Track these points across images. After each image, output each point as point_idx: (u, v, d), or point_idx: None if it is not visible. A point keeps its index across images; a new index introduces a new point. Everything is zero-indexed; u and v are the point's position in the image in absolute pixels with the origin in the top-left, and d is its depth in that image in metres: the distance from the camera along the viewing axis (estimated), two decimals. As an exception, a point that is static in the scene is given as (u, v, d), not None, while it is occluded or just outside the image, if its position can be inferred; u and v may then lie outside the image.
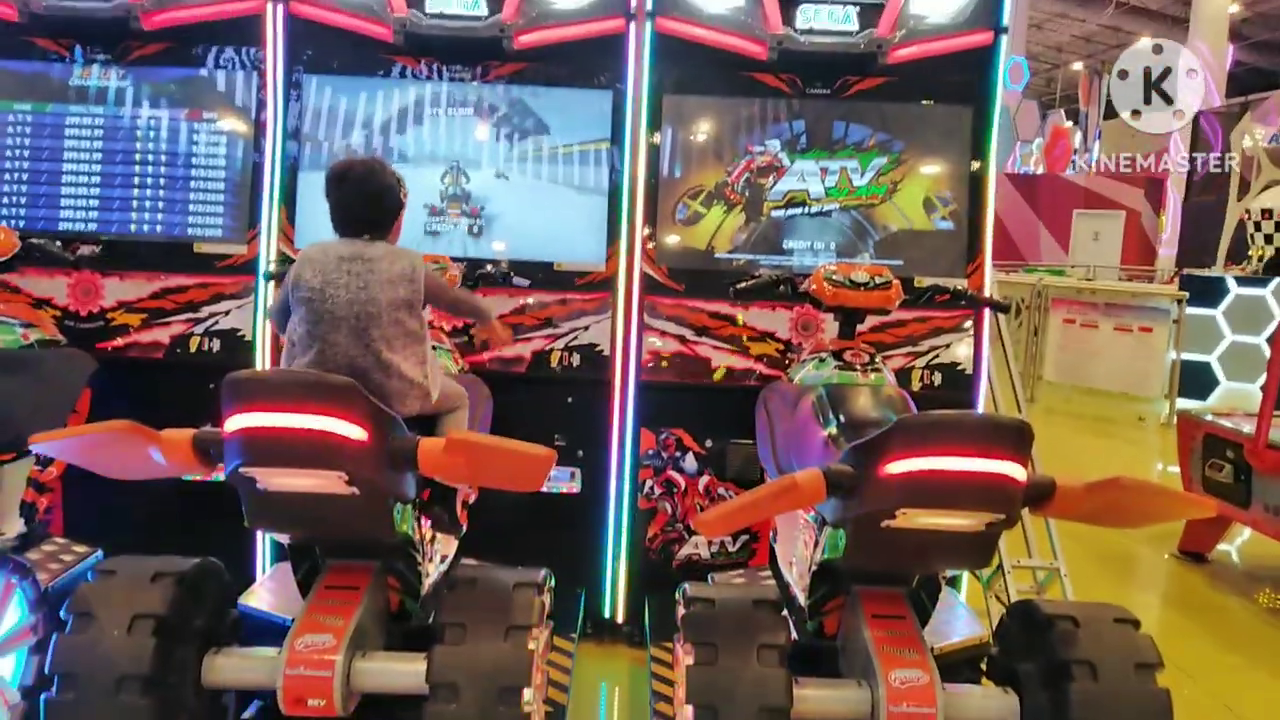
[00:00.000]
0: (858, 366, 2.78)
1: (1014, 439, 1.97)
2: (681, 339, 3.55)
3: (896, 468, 1.97)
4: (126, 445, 2.06)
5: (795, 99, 3.59)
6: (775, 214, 3.60)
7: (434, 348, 2.77)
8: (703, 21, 3.54)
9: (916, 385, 3.48)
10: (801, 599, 2.58)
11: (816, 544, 2.44)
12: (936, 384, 3.50)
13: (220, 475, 3.34)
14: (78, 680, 2.06)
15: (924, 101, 3.61)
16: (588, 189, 3.62)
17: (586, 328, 3.58)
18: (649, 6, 3.53)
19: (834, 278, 2.91)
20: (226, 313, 3.54)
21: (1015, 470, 1.98)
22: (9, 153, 3.65)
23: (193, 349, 3.54)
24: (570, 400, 3.60)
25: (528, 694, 2.12)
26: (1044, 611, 2.30)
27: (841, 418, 2.54)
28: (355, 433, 2.04)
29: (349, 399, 2.04)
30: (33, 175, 3.66)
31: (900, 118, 3.61)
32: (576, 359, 3.57)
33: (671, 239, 3.61)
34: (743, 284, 3.01)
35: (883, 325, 3.42)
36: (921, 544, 2.12)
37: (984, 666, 2.59)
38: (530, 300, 3.56)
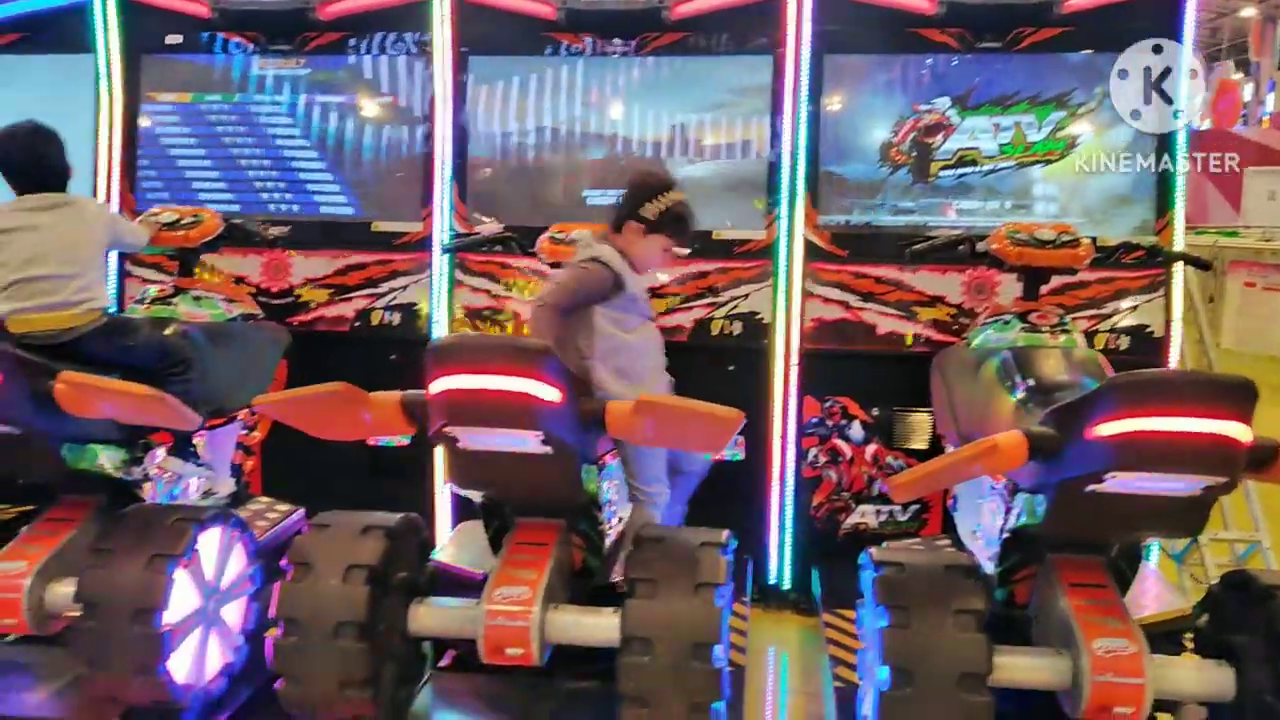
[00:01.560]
0: (1045, 328, 2.68)
1: (1239, 398, 1.85)
2: (845, 305, 3.49)
3: (1109, 429, 1.88)
4: (340, 406, 2.18)
5: (964, 53, 3.45)
6: (944, 174, 3.49)
7: None
8: (866, -22, 3.45)
9: (1100, 349, 3.31)
10: (988, 568, 2.51)
11: (1008, 511, 2.36)
12: (1122, 348, 3.31)
13: (406, 440, 3.55)
14: (300, 625, 2.21)
15: (1102, 52, 3.41)
16: (747, 156, 3.60)
17: (746, 296, 3.57)
18: (808, -33, 3.46)
19: (1018, 236, 2.80)
20: (404, 288, 3.71)
21: (1240, 431, 1.86)
22: (202, 141, 3.91)
23: (374, 322, 3.72)
24: (732, 368, 3.60)
25: (719, 650, 2.15)
26: (1263, 581, 2.16)
27: (1031, 381, 2.45)
28: (551, 394, 2.10)
29: (545, 362, 2.10)
30: (222, 162, 3.91)
31: (1078, 69, 3.43)
32: (738, 327, 3.57)
33: (834, 203, 3.54)
34: (919, 245, 2.94)
35: (1063, 287, 3.27)
36: (1129, 510, 2.03)
37: (1187, 640, 2.46)
38: (690, 269, 3.57)
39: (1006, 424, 2.37)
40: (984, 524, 2.62)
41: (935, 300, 3.44)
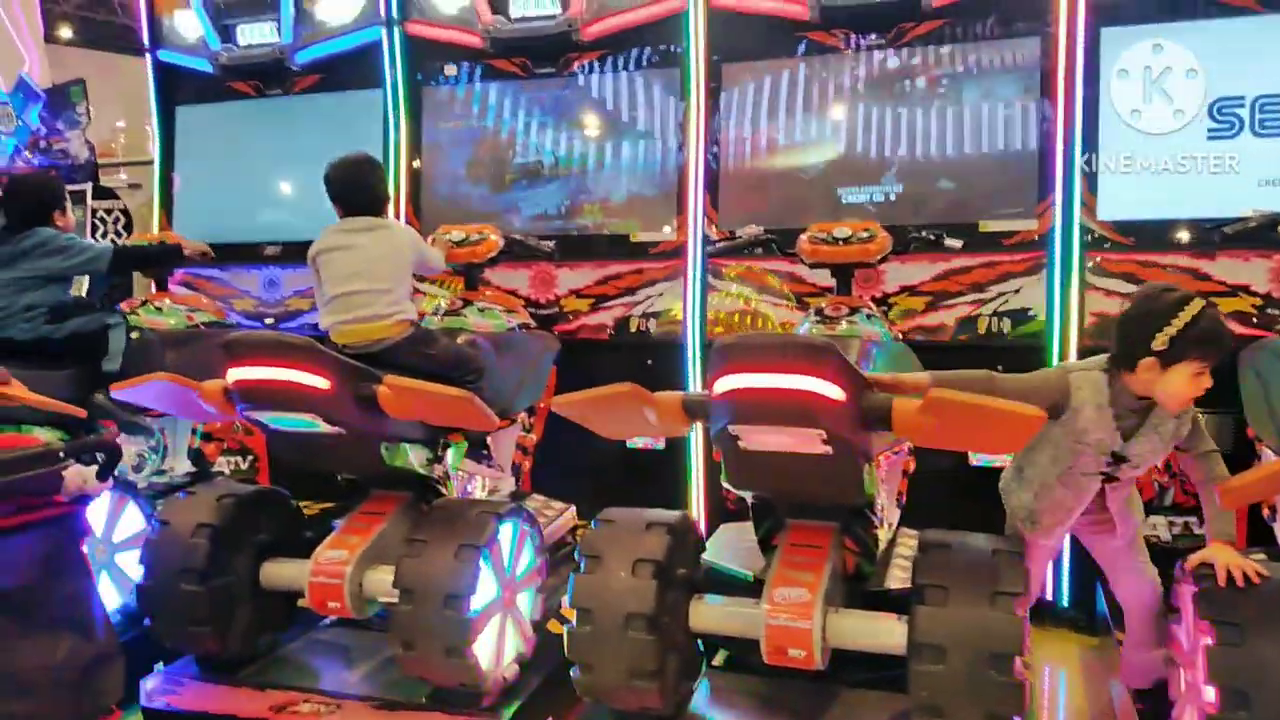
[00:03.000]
0: (1388, 316, 2.35)
1: None
2: (1132, 298, 3.23)
3: None
4: (627, 406, 2.25)
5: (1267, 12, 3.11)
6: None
7: None
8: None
9: None
10: (1324, 585, 2.23)
11: (1352, 521, 2.09)
12: None
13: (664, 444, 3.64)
14: (593, 615, 2.31)
15: None
16: (1014, 143, 3.43)
17: (1016, 291, 3.40)
18: (1078, -62, 3.26)
19: (1349, 214, 2.48)
20: (660, 295, 3.82)
21: None
22: (475, 163, 4.21)
23: (631, 329, 3.86)
24: (1000, 367, 3.40)
25: (1019, 662, 2.04)
26: None
27: (1372, 375, 2.16)
28: (834, 392, 2.07)
29: (830, 360, 2.08)
30: (493, 181, 4.19)
31: None
32: (1006, 324, 3.40)
33: (1118, 189, 3.29)
34: (1231, 228, 2.67)
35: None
36: None
37: None
38: (953, 264, 3.45)
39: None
40: (1318, 537, 2.33)
41: (1237, 290, 3.11)
